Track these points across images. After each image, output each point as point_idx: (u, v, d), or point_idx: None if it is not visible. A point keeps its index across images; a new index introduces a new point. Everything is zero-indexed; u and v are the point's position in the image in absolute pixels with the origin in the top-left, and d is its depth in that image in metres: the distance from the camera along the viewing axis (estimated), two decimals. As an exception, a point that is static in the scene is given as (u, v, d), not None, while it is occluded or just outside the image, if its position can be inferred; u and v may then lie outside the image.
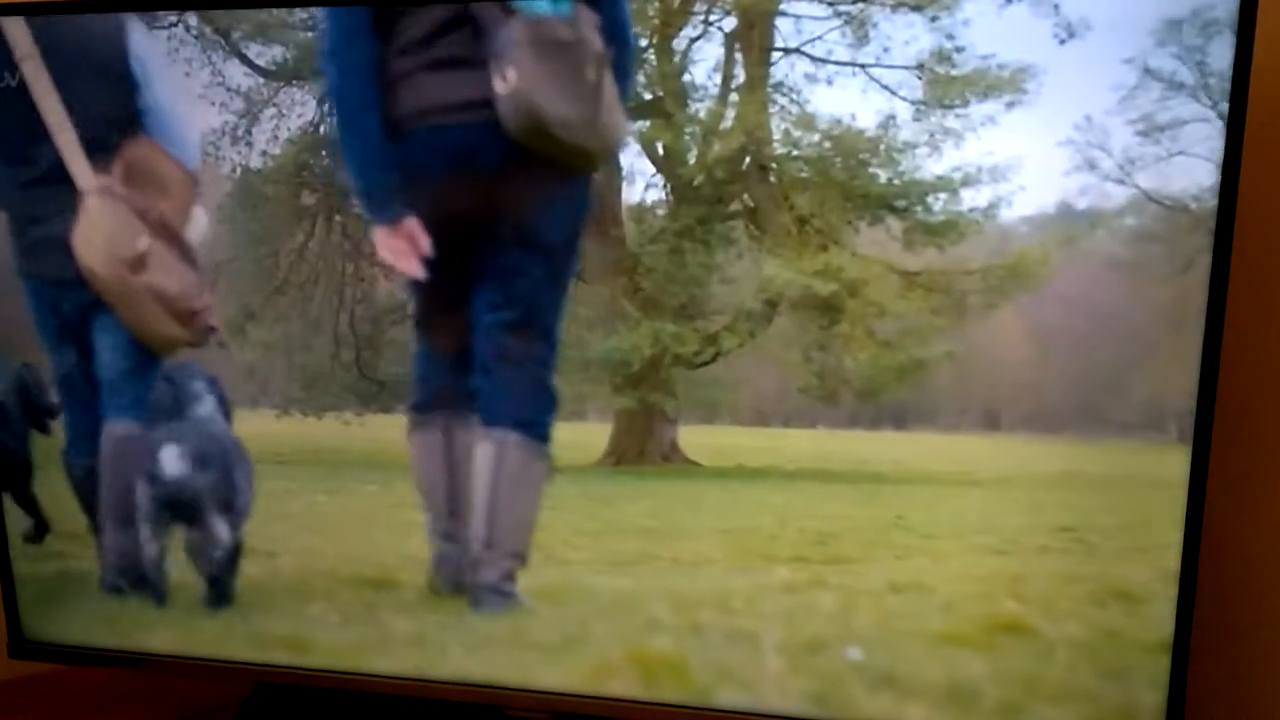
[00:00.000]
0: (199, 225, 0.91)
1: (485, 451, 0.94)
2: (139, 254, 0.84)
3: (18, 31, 0.81)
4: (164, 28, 1.38)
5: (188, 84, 1.40)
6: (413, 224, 0.92)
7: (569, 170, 0.85)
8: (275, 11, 1.36)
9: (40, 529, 1.27)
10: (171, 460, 0.99)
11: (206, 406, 1.05)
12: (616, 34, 0.77)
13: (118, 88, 0.85)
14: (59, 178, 0.84)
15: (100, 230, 0.84)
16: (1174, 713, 1.25)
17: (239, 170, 1.43)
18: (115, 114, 0.85)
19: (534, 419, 0.92)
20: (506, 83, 0.74)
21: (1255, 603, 1.48)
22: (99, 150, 0.86)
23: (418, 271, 0.92)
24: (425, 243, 0.92)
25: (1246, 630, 1.49)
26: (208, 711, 1.75)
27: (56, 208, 0.85)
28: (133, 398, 0.98)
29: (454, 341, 0.92)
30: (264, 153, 1.42)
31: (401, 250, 0.93)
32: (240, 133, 1.41)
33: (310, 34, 1.36)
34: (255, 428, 1.57)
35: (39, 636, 1.62)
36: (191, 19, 1.38)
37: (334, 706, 1.64)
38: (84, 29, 0.88)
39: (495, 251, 0.87)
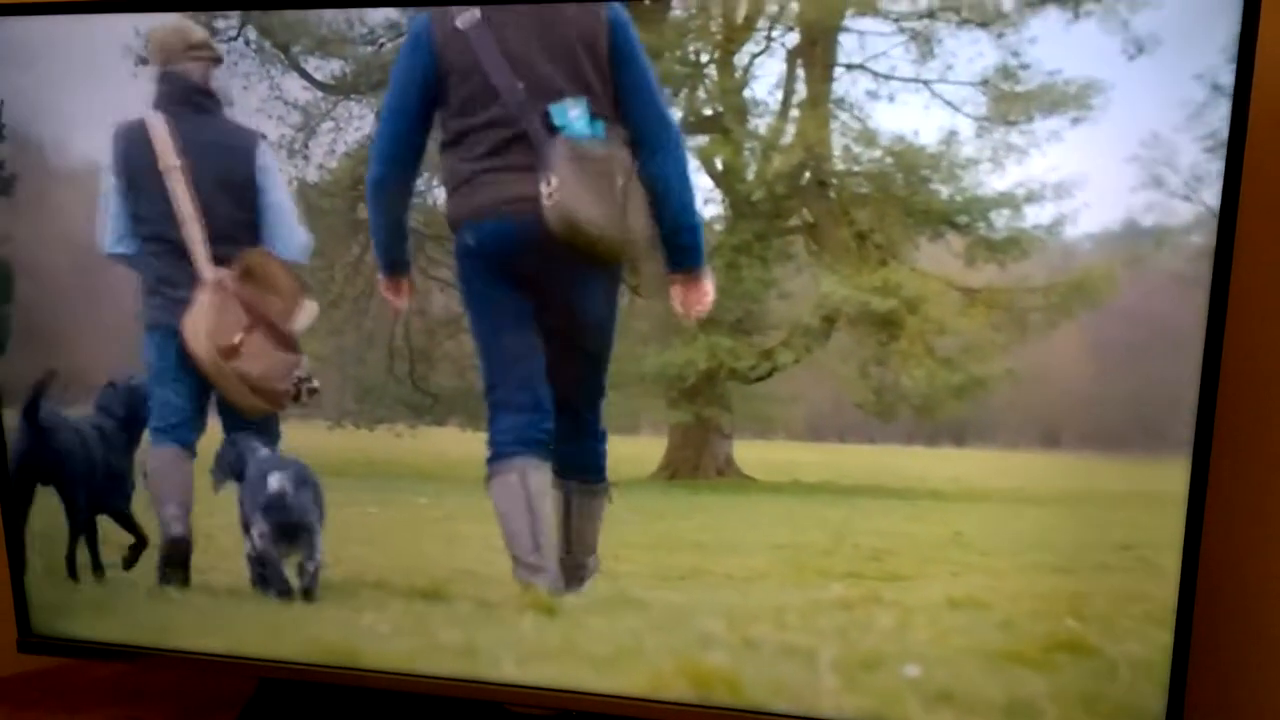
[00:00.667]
0: (309, 313, 1.04)
1: (561, 499, 1.17)
2: (233, 345, 0.98)
3: (162, 136, 1.00)
4: (224, 41, 1.39)
5: (245, 98, 1.41)
6: (401, 282, 1.16)
7: (601, 260, 0.98)
8: (335, 26, 1.36)
9: (140, 544, 1.39)
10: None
11: (263, 452, 1.22)
12: (655, 138, 0.94)
13: (243, 189, 0.97)
14: (187, 256, 0.99)
15: (205, 321, 1.00)
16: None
17: (295, 183, 1.43)
18: (239, 210, 0.97)
19: (593, 468, 1.17)
20: (549, 191, 0.91)
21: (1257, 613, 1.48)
22: (225, 240, 0.99)
23: (402, 309, 1.14)
24: (405, 299, 1.15)
25: (1248, 640, 1.48)
26: (213, 706, 1.76)
27: (179, 277, 1.00)
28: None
29: (522, 398, 1.10)
30: (320, 166, 1.42)
31: (391, 297, 1.17)
32: (297, 146, 1.42)
33: (370, 48, 1.37)
34: (307, 439, 1.58)
35: (73, 636, 1.62)
36: (251, 33, 1.38)
37: (336, 702, 1.64)
38: (220, 142, 1.05)
39: (548, 323, 1.04)
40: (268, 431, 1.22)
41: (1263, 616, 1.49)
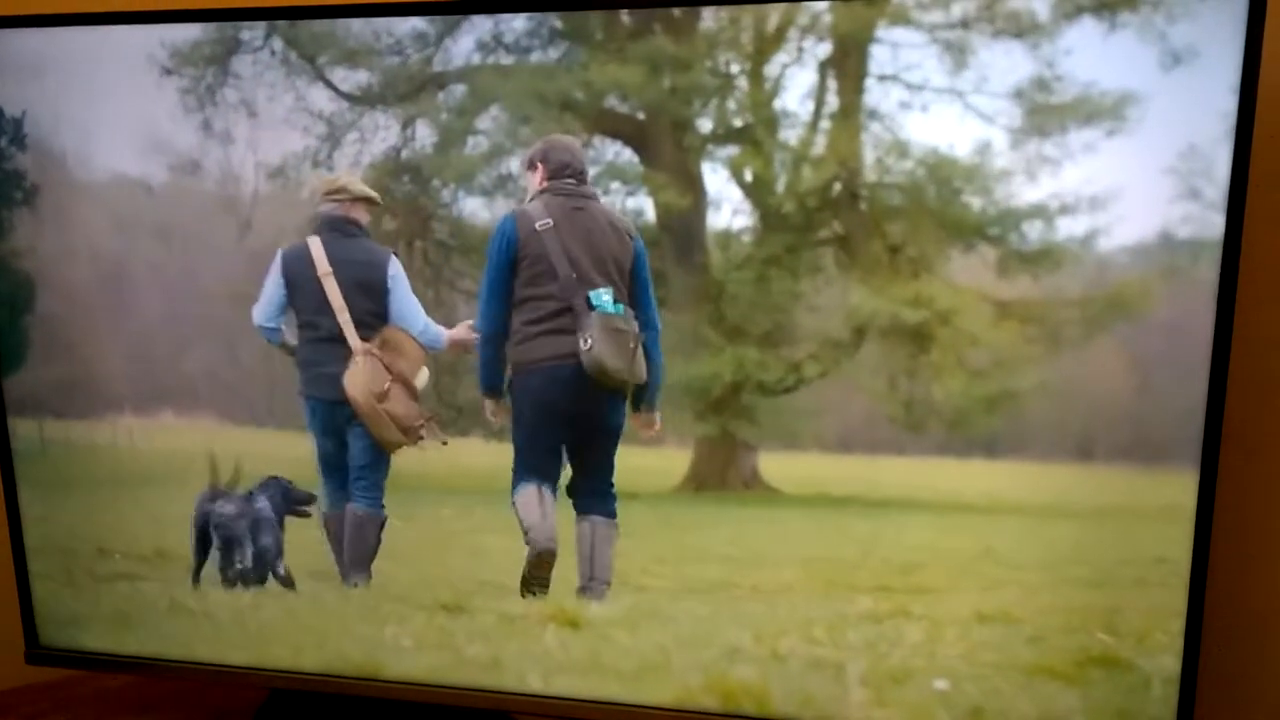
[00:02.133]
0: (424, 376, 1.38)
1: (584, 530, 1.42)
2: (383, 390, 1.33)
3: (319, 254, 1.38)
4: (250, 52, 1.39)
5: (271, 109, 1.40)
6: (500, 402, 1.45)
7: (616, 391, 1.34)
8: (362, 37, 1.36)
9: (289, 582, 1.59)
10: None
11: (261, 501, 1.54)
12: (648, 323, 1.35)
13: (377, 291, 1.35)
14: (335, 339, 1.36)
15: (361, 375, 1.36)
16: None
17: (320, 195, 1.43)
18: (374, 305, 1.35)
19: (608, 510, 1.41)
20: (587, 346, 1.31)
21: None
22: (363, 325, 1.37)
23: (496, 425, 1.45)
24: (503, 416, 1.46)
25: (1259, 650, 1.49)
26: (222, 716, 1.76)
27: (331, 356, 1.36)
28: (369, 483, 1.49)
29: (541, 477, 1.43)
30: (346, 178, 1.42)
31: (492, 417, 1.45)
32: (322, 157, 1.41)
33: (396, 59, 1.36)
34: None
35: (99, 650, 1.62)
36: (277, 43, 1.38)
37: (345, 711, 1.64)
38: (360, 259, 1.40)
39: (578, 431, 1.39)
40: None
41: (1273, 626, 1.48)
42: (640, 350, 1.30)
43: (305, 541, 1.57)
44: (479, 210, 1.44)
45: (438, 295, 1.50)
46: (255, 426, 1.58)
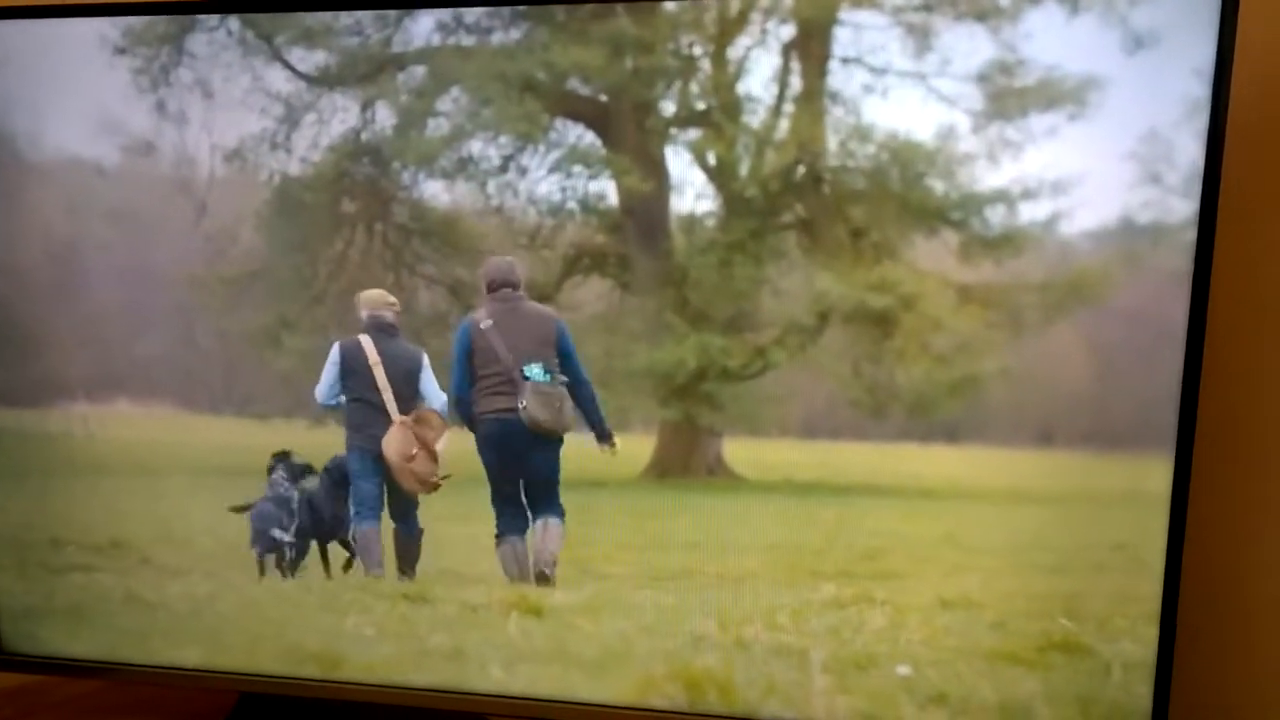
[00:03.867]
0: (443, 440, 1.63)
1: (538, 526, 1.60)
2: (411, 454, 1.61)
3: (370, 348, 1.59)
4: (206, 31, 1.36)
5: (226, 89, 1.38)
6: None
7: (550, 439, 1.55)
8: (320, 17, 1.33)
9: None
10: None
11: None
12: (578, 381, 1.57)
13: (413, 378, 1.63)
14: (380, 409, 1.61)
15: (395, 441, 1.61)
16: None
17: (277, 177, 1.41)
18: (410, 388, 1.63)
19: (557, 513, 1.57)
20: (523, 406, 1.55)
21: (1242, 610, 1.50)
22: (401, 401, 1.62)
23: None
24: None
25: (1233, 637, 1.50)
26: None
27: (375, 422, 1.61)
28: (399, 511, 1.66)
29: (513, 508, 1.60)
30: (304, 159, 1.40)
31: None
32: (280, 139, 1.39)
33: (356, 39, 1.34)
34: (290, 438, 1.55)
35: (55, 651, 1.59)
36: (234, 23, 1.35)
37: (317, 715, 1.61)
38: (401, 354, 1.60)
39: (526, 465, 1.58)
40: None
41: (1247, 614, 1.49)
42: (566, 405, 1.58)
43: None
44: (440, 193, 1.42)
45: (398, 280, 1.48)
46: (213, 414, 1.55)
